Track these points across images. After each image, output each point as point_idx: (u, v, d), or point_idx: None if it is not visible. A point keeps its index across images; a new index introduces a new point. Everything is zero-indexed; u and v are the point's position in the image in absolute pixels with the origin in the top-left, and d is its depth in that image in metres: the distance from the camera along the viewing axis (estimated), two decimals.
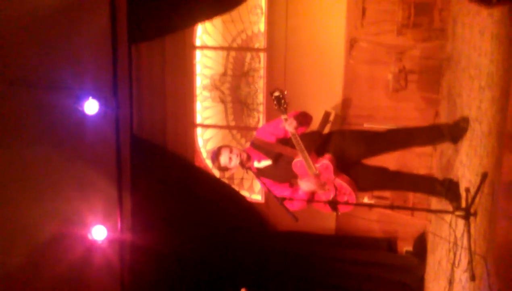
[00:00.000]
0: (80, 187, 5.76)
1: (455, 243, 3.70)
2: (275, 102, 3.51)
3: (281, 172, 3.99)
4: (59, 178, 5.66)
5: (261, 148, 3.99)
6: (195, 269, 6.33)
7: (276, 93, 3.49)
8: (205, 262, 6.34)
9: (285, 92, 3.50)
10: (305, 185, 3.82)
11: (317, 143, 3.95)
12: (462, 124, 3.93)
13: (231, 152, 3.89)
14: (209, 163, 6.91)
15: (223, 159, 3.89)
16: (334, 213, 3.98)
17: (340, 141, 4.00)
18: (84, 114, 5.47)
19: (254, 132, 4.12)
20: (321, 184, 3.81)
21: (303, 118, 3.82)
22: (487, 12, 3.58)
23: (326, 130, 5.76)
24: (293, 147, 3.73)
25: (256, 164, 4.03)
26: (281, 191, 4.00)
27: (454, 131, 3.99)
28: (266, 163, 4.01)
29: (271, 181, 4.01)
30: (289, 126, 3.60)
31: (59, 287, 5.65)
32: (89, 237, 5.80)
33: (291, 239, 6.41)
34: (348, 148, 3.96)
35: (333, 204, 3.83)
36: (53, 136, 5.55)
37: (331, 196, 3.87)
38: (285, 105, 3.52)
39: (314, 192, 3.93)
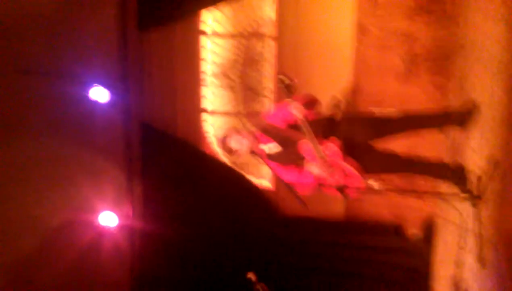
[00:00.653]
0: (91, 175, 5.80)
1: (464, 228, 3.73)
2: (282, 86, 3.52)
3: (289, 155, 4.02)
4: (70, 166, 5.70)
5: (268, 131, 4.02)
6: (205, 255, 6.38)
7: (283, 78, 3.49)
8: (214, 249, 6.39)
9: (295, 81, 3.51)
10: (315, 169, 3.85)
11: (325, 127, 3.96)
12: (471, 110, 3.94)
13: (241, 135, 3.93)
14: (218, 150, 6.94)
15: (234, 142, 3.92)
16: (343, 198, 3.99)
17: (348, 125, 4.02)
18: (94, 102, 5.50)
19: (261, 122, 4.13)
20: (330, 169, 3.83)
21: (310, 103, 3.84)
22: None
23: (335, 115, 5.76)
24: (300, 130, 3.74)
25: (263, 147, 4.06)
26: (288, 173, 4.03)
27: (464, 117, 4.00)
28: (273, 146, 4.04)
29: (278, 163, 4.05)
30: (295, 110, 3.62)
31: (70, 272, 5.71)
32: (100, 223, 5.84)
33: (300, 225, 6.44)
34: (356, 131, 3.98)
35: (341, 189, 3.85)
36: (64, 124, 5.58)
37: (339, 180, 3.88)
38: (292, 90, 3.53)
39: (322, 176, 3.95)
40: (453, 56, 5.40)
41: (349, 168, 3.85)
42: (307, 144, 3.79)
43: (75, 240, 5.78)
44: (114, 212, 5.87)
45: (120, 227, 5.98)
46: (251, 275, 4.06)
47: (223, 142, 4.00)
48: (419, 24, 5.57)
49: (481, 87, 3.95)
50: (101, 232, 5.90)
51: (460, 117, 4.03)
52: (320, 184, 3.97)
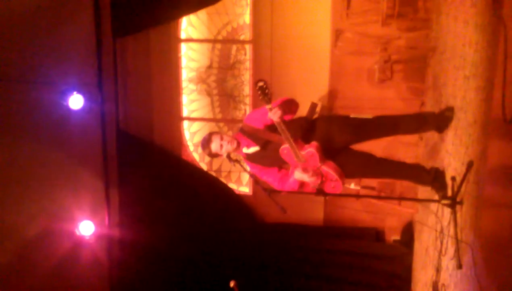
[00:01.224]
0: (67, 183, 5.71)
1: (442, 232, 3.73)
2: (259, 92, 3.51)
3: (269, 157, 4.00)
4: (45, 174, 5.60)
5: (249, 134, 4.00)
6: (184, 263, 6.32)
7: (260, 84, 3.48)
8: (193, 255, 6.34)
9: (267, 83, 3.51)
10: (298, 175, 3.85)
11: (304, 130, 3.96)
12: (447, 113, 3.96)
13: (221, 139, 3.91)
14: (196, 156, 6.90)
15: (214, 146, 3.90)
16: (322, 201, 3.99)
17: (326, 127, 4.01)
18: (69, 109, 5.41)
19: (241, 125, 4.12)
20: (309, 172, 3.83)
21: (288, 106, 3.83)
22: (471, 2, 3.60)
23: (313, 119, 5.76)
24: (280, 134, 3.74)
25: (245, 150, 4.05)
26: (270, 176, 4.05)
27: (440, 120, 4.02)
28: (255, 149, 4.02)
29: (260, 166, 4.05)
30: (273, 115, 3.61)
31: (48, 283, 5.60)
32: (77, 232, 5.75)
33: (279, 231, 6.43)
34: (335, 134, 3.98)
35: (320, 191, 3.85)
36: (38, 132, 5.48)
37: (318, 182, 3.89)
38: (269, 95, 3.52)
39: (302, 179, 3.95)
40: (426, 59, 5.44)
41: (328, 170, 3.85)
42: (287, 149, 3.78)
43: (52, 249, 5.68)
44: (91, 220, 5.78)
45: (97, 236, 5.88)
46: (232, 283, 4.01)
47: (204, 145, 3.97)
48: (393, 28, 5.61)
49: (454, 89, 3.97)
50: (78, 241, 5.80)
51: (436, 121, 4.05)
52: (300, 187, 3.98)
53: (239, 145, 4.01)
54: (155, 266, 6.24)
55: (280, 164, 4.07)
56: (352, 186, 5.57)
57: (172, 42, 6.60)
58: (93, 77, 5.71)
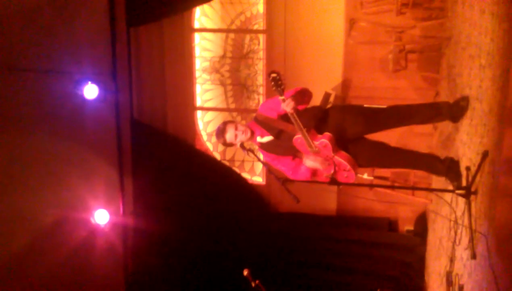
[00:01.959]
0: (82, 172, 5.76)
1: (456, 222, 3.72)
2: (272, 83, 3.53)
3: (283, 146, 4.02)
4: (60, 163, 5.66)
5: (263, 123, 4.02)
6: (197, 252, 6.36)
7: (273, 75, 3.50)
8: (207, 245, 6.38)
9: (281, 74, 3.52)
10: (309, 162, 3.86)
11: (317, 120, 3.96)
12: (462, 103, 3.93)
13: (236, 128, 3.93)
14: (210, 146, 6.92)
15: (229, 135, 3.93)
16: (335, 191, 4.00)
17: (340, 117, 4.01)
18: (83, 99, 5.46)
19: (254, 114, 4.14)
20: (324, 162, 3.84)
21: (302, 97, 3.84)
22: None
23: (326, 108, 5.75)
24: (293, 122, 3.76)
25: (259, 139, 4.07)
26: (283, 164, 4.09)
27: (454, 110, 3.99)
28: (268, 138, 4.04)
29: (274, 155, 4.08)
30: (286, 107, 3.62)
31: (63, 271, 5.68)
32: (92, 221, 5.81)
33: (292, 220, 6.44)
34: (348, 123, 3.98)
35: (333, 182, 3.86)
36: (53, 121, 5.54)
37: (332, 172, 3.90)
38: (282, 87, 3.53)
39: (315, 168, 3.96)
40: (441, 49, 5.40)
41: (341, 161, 3.85)
42: (300, 138, 3.80)
43: (67, 238, 5.75)
44: (106, 209, 5.84)
45: (112, 225, 5.94)
46: (246, 272, 4.03)
47: (219, 135, 4.00)
48: (407, 18, 5.56)
49: (470, 78, 3.94)
50: (93, 230, 5.86)
51: (450, 111, 4.02)
52: (313, 177, 4.00)
53: (253, 134, 4.03)
54: (169, 255, 6.29)
55: (294, 153, 4.09)
56: (365, 176, 5.56)
57: (186, 32, 6.60)
58: (107, 67, 5.74)
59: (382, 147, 4.14)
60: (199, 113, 6.92)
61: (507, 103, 2.99)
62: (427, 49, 5.57)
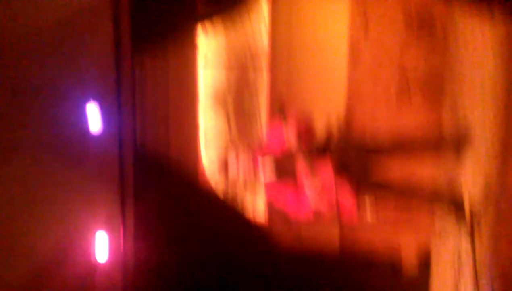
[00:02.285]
0: (83, 199, 5.74)
1: (460, 260, 3.66)
2: (276, 116, 3.56)
3: (285, 179, 4.03)
4: (62, 191, 5.64)
5: (266, 152, 4.01)
6: (197, 287, 6.28)
7: (277, 107, 3.55)
8: (207, 280, 6.30)
9: (284, 105, 3.56)
10: (310, 194, 3.84)
11: (319, 153, 3.97)
12: (466, 136, 3.93)
13: (238, 158, 3.93)
14: (212, 176, 6.89)
15: (231, 167, 3.94)
16: (338, 227, 4.00)
17: (342, 151, 4.05)
18: (88, 126, 5.47)
19: (258, 143, 4.17)
20: (324, 194, 3.83)
21: (303, 127, 3.87)
22: (490, 25, 3.58)
23: (329, 142, 5.75)
24: (296, 157, 3.75)
25: (261, 168, 4.07)
26: (287, 196, 4.07)
27: (458, 143, 3.99)
28: (271, 170, 4.03)
29: (276, 188, 4.09)
30: (289, 135, 3.65)
31: None
32: (92, 253, 5.76)
33: (293, 258, 6.36)
34: (350, 158, 3.99)
35: (336, 214, 3.86)
36: (57, 147, 5.54)
37: (333, 206, 3.88)
38: (285, 119, 3.57)
39: (317, 200, 3.93)
40: (444, 82, 5.42)
41: (344, 197, 3.84)
42: (303, 165, 3.80)
43: (65, 271, 5.69)
44: (106, 241, 5.79)
45: (112, 257, 5.88)
46: None
47: (222, 165, 4.02)
48: (411, 51, 5.60)
49: (473, 113, 3.93)
50: (93, 263, 5.80)
51: (454, 144, 4.01)
52: (315, 209, 3.98)
53: (256, 163, 4.04)
54: (168, 288, 6.21)
55: (296, 182, 4.06)
56: (368, 212, 5.52)
57: (192, 64, 6.64)
58: (111, 94, 5.77)
59: (384, 176, 4.13)
60: (202, 142, 6.91)
61: (510, 141, 2.97)
62: (431, 83, 5.59)
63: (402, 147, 4.17)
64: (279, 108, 3.56)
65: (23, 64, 5.27)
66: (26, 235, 5.36)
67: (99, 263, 5.76)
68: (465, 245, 3.50)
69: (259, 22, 6.52)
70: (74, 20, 5.39)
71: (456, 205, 3.99)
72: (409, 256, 6.07)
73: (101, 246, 5.75)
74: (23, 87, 5.25)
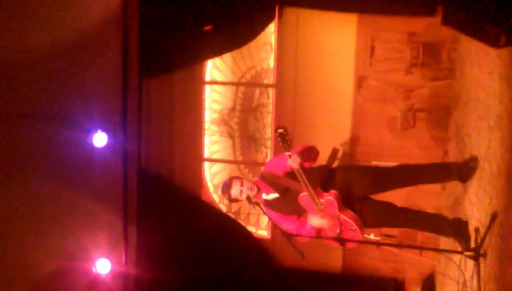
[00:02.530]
0: (85, 220, 5.73)
1: (465, 284, 3.63)
2: (279, 139, 3.55)
3: (288, 205, 4.00)
4: (64, 211, 5.64)
5: (269, 181, 4.02)
6: None
7: (280, 131, 3.54)
8: None
9: (288, 130, 3.55)
10: (314, 221, 3.82)
11: (323, 178, 3.95)
12: (471, 164, 3.91)
13: (241, 184, 3.93)
14: (216, 197, 6.89)
15: (234, 191, 3.93)
16: (341, 248, 3.97)
17: (346, 176, 4.01)
18: (92, 147, 5.48)
19: (262, 167, 4.15)
20: (328, 220, 3.80)
21: (308, 154, 3.85)
22: (495, 52, 3.60)
23: (333, 166, 5.75)
24: (300, 180, 3.74)
25: (264, 196, 4.06)
26: (289, 223, 4.02)
27: (463, 171, 3.97)
28: (274, 195, 4.03)
29: (279, 213, 4.03)
30: (293, 162, 3.64)
31: None
32: (94, 270, 5.74)
33: (296, 277, 6.33)
34: (355, 183, 3.97)
35: (339, 240, 3.82)
36: (60, 169, 5.55)
37: (337, 231, 3.85)
38: (288, 143, 3.56)
39: (321, 227, 3.91)
40: (450, 108, 5.43)
41: (347, 220, 3.82)
42: (306, 196, 3.77)
43: (68, 287, 5.66)
44: (108, 258, 5.76)
45: (114, 274, 5.85)
46: None
47: (224, 190, 4.00)
48: (416, 77, 5.63)
49: (478, 139, 3.93)
50: (94, 280, 5.77)
51: (459, 171, 3.99)
52: (317, 235, 3.94)
53: (259, 191, 4.01)
54: None
55: (300, 212, 4.05)
56: (372, 236, 5.50)
57: (197, 84, 6.69)
58: (117, 116, 5.80)
59: (389, 207, 4.10)
60: (206, 165, 6.93)
61: None
62: (436, 108, 5.60)
63: (408, 171, 4.14)
64: (282, 132, 3.50)
65: (29, 88, 5.31)
66: (27, 252, 5.36)
67: (101, 277, 5.73)
68: (470, 268, 3.48)
69: (266, 44, 6.58)
70: (82, 42, 5.44)
71: (460, 229, 3.98)
72: (413, 279, 6.03)
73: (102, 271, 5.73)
74: (30, 110, 5.28)
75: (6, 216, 5.36)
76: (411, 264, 6.00)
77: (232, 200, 4.02)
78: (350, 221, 3.82)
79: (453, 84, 5.39)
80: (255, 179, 4.22)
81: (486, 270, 3.33)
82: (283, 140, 3.55)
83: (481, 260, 3.34)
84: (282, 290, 6.31)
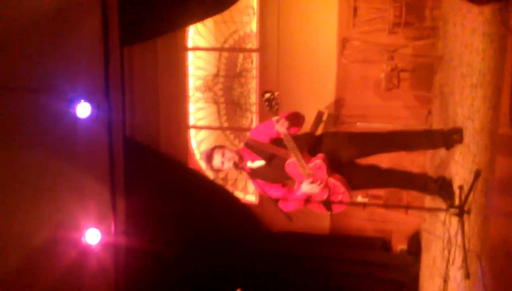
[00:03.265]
0: (73, 190, 5.72)
1: (449, 241, 3.70)
2: (266, 103, 3.52)
3: (274, 172, 3.98)
4: (51, 181, 5.61)
5: (254, 148, 3.99)
6: (190, 271, 6.31)
7: (267, 95, 3.49)
8: (199, 264, 6.32)
9: (276, 94, 3.51)
10: (306, 188, 3.82)
11: (310, 144, 3.95)
12: (455, 137, 3.92)
13: (223, 155, 3.88)
14: (202, 164, 6.90)
15: (216, 162, 3.90)
16: (328, 213, 3.98)
17: (333, 142, 4.01)
18: (76, 117, 5.43)
19: (248, 133, 4.12)
20: (316, 184, 3.81)
21: (295, 119, 3.82)
22: (478, 10, 3.59)
23: (320, 130, 5.76)
24: (286, 147, 3.73)
25: (249, 164, 4.03)
26: (274, 191, 4.02)
27: (448, 142, 3.99)
28: (259, 163, 4.01)
29: (264, 181, 4.01)
30: (280, 127, 3.60)
31: None
32: (83, 240, 5.76)
33: (285, 240, 6.40)
34: (341, 149, 3.97)
35: (327, 204, 3.84)
36: (45, 139, 5.50)
37: (325, 196, 3.87)
38: (276, 107, 3.52)
39: (308, 192, 3.93)
40: (433, 68, 5.43)
41: (335, 182, 3.83)
42: (293, 163, 3.77)
43: (58, 257, 5.68)
44: (97, 228, 5.79)
45: (104, 244, 5.88)
46: None
47: (207, 159, 3.97)
48: (400, 37, 5.60)
49: (462, 97, 3.96)
50: (84, 250, 5.80)
51: (444, 141, 4.02)
52: (306, 200, 3.93)
53: (242, 159, 3.99)
54: (160, 274, 6.23)
55: (284, 180, 4.05)
56: (359, 198, 5.56)
57: (179, 51, 6.62)
58: (100, 85, 5.74)
59: (374, 169, 4.13)
60: (192, 132, 6.91)
61: (499, 122, 3.00)
62: (419, 68, 5.60)
63: (393, 137, 4.16)
64: (269, 97, 3.45)
65: (11, 59, 5.22)
66: (16, 223, 5.35)
67: (91, 247, 5.77)
68: (455, 225, 3.54)
69: (248, 7, 6.50)
70: (62, 11, 5.33)
71: (444, 187, 4.03)
72: (400, 238, 6.13)
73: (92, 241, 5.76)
74: (10, 80, 5.21)
75: None
76: (397, 223, 6.09)
77: (214, 170, 4.02)
78: (338, 183, 3.83)
79: (436, 43, 5.38)
80: (241, 145, 4.19)
81: (470, 226, 3.40)
82: (270, 105, 3.51)
83: (465, 216, 3.39)
84: (270, 253, 6.38)
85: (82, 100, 5.38)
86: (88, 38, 5.66)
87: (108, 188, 5.97)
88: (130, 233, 6.09)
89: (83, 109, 5.41)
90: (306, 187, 3.82)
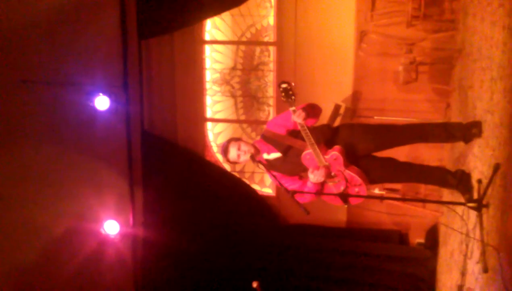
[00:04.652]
0: (92, 183, 5.79)
1: (468, 235, 3.69)
2: (283, 94, 3.51)
3: (290, 164, 3.98)
4: (70, 174, 5.69)
5: (271, 140, 3.98)
6: (207, 263, 6.35)
7: (284, 85, 3.48)
8: (216, 256, 6.37)
9: (293, 84, 3.50)
10: (313, 176, 3.81)
11: (327, 135, 3.94)
12: (474, 130, 3.87)
13: (239, 148, 3.88)
14: (219, 157, 6.94)
15: (232, 155, 3.91)
16: (345, 205, 3.98)
17: (350, 134, 3.99)
18: (95, 110, 5.50)
19: (264, 126, 4.12)
20: (329, 174, 3.81)
21: (312, 110, 3.80)
22: (498, 2, 3.55)
23: (337, 123, 5.76)
24: (302, 139, 3.72)
25: (266, 156, 4.03)
26: (291, 183, 4.01)
27: (467, 135, 3.95)
28: (276, 155, 4.01)
29: (280, 173, 4.00)
30: (297, 117, 3.59)
31: (73, 282, 5.69)
32: (102, 232, 5.83)
33: (302, 232, 6.42)
34: (358, 141, 3.95)
35: (344, 196, 3.84)
36: (64, 133, 5.58)
37: (342, 188, 3.87)
38: (293, 97, 3.51)
39: (324, 184, 3.92)
40: (452, 61, 5.38)
41: (352, 174, 3.83)
42: (309, 154, 3.76)
43: (77, 248, 5.77)
44: (116, 220, 5.86)
45: (122, 235, 5.96)
46: (255, 284, 4.01)
47: (223, 152, 3.99)
48: (418, 30, 5.56)
49: (481, 91, 3.92)
50: (103, 241, 5.88)
51: (463, 134, 3.97)
52: (322, 192, 3.94)
53: (258, 152, 3.99)
54: (178, 266, 6.29)
55: (300, 172, 4.04)
56: (376, 190, 5.54)
57: (197, 44, 6.64)
58: (118, 79, 5.79)
59: (392, 163, 4.10)
60: (209, 125, 6.94)
61: None
62: (438, 61, 5.55)
63: (411, 131, 4.13)
64: (286, 87, 3.44)
65: (31, 53, 5.29)
66: (36, 215, 5.44)
67: (110, 238, 5.84)
68: (473, 219, 3.52)
69: (265, 1, 6.50)
70: (81, 5, 5.39)
71: (463, 180, 4.01)
72: (417, 231, 6.11)
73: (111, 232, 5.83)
74: (31, 75, 5.27)
75: (15, 180, 5.42)
76: (414, 217, 6.06)
77: (231, 162, 4.02)
78: (355, 176, 3.81)
79: (455, 36, 5.33)
80: (258, 138, 4.20)
81: (489, 220, 3.38)
82: (287, 95, 3.50)
83: (484, 210, 3.38)
84: (287, 245, 6.40)
85: (101, 94, 5.44)
86: (106, 32, 5.71)
87: (126, 180, 6.03)
88: (148, 225, 6.15)
89: (101, 103, 5.47)
90: (310, 176, 3.82)
